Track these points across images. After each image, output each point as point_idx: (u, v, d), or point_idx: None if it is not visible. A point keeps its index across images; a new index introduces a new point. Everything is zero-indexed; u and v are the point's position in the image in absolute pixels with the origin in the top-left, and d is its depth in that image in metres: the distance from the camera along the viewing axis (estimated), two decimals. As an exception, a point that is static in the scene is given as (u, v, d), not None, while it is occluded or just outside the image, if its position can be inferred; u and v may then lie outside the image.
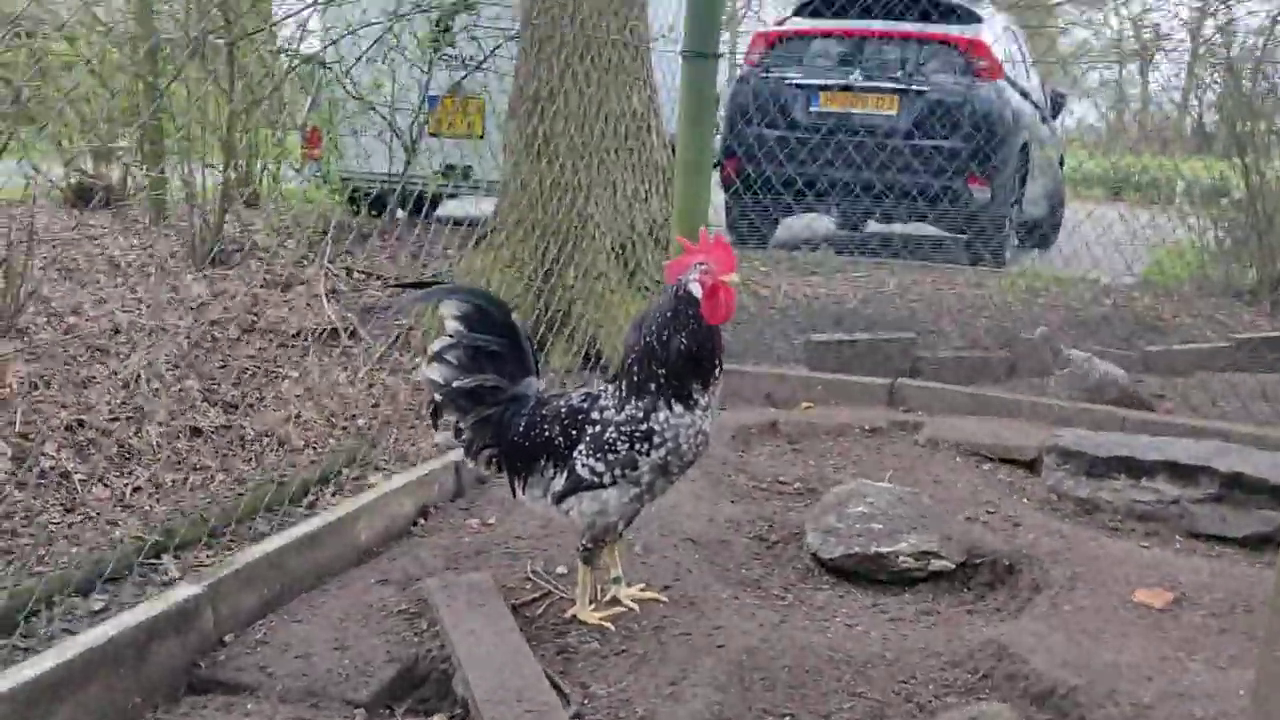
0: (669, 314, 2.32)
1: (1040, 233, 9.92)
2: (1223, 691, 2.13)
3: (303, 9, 6.43)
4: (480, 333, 2.40)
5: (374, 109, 6.59)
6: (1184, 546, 3.05)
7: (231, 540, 3.24)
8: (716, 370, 2.35)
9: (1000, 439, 3.77)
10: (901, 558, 2.75)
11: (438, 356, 2.40)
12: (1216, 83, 9.00)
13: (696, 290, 2.31)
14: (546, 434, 2.39)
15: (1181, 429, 3.73)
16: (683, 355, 2.31)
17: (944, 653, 2.37)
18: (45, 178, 6.07)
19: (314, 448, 4.44)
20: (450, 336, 2.40)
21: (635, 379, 2.34)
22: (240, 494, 3.70)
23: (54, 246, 5.88)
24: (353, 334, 5.48)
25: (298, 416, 4.68)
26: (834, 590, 2.74)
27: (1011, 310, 6.23)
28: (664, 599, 2.53)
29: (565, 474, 2.37)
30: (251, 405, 4.68)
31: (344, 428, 4.65)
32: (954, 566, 2.79)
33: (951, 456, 3.70)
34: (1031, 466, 3.62)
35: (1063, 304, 6.57)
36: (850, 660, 2.32)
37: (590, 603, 2.46)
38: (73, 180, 6.77)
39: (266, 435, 4.47)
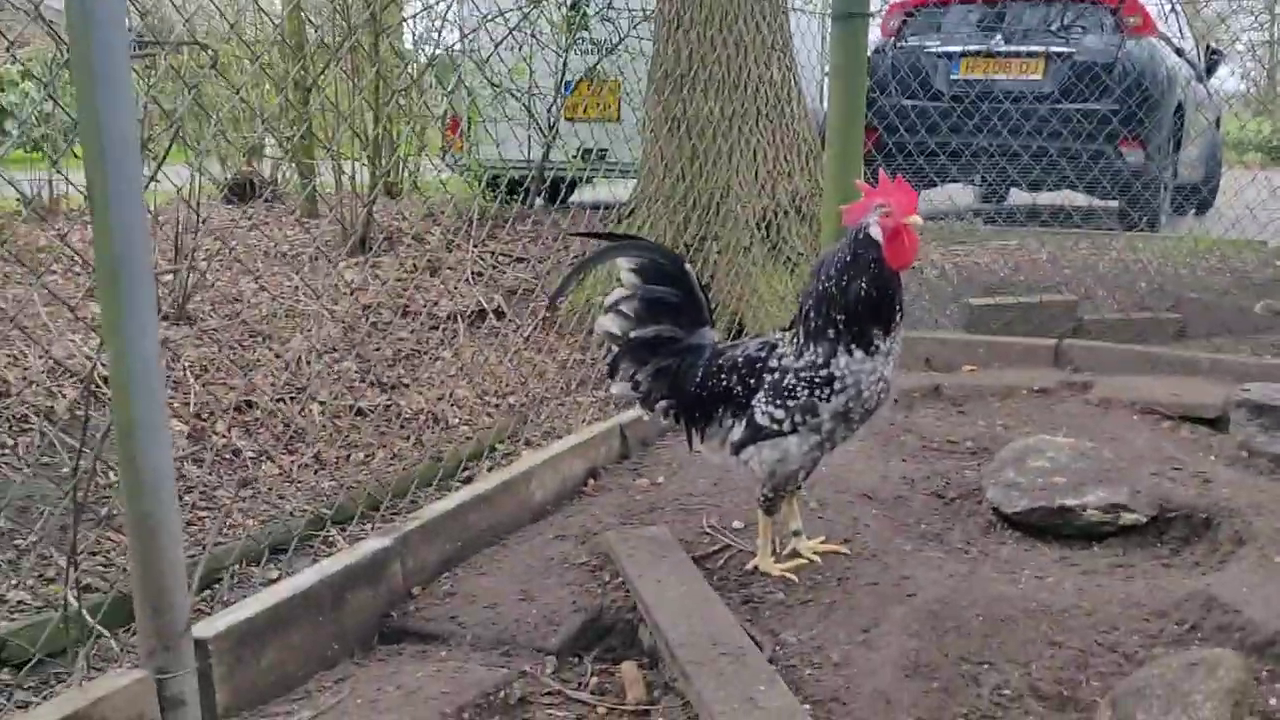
0: (848, 258, 2.27)
1: (1198, 197, 9.49)
2: None
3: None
4: (655, 284, 2.39)
5: (513, 95, 6.66)
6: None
7: (394, 514, 3.31)
8: (898, 315, 2.29)
9: (1179, 396, 3.61)
10: (1089, 510, 2.64)
11: (614, 308, 2.39)
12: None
13: (877, 233, 2.25)
14: (724, 383, 2.36)
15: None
16: (863, 300, 2.25)
17: (1145, 604, 2.26)
18: (206, 175, 6.30)
19: (469, 425, 4.51)
20: (626, 289, 2.39)
21: (814, 325, 2.29)
22: (403, 469, 3.78)
23: (215, 239, 6.10)
24: (500, 315, 5.55)
25: (452, 395, 4.77)
26: (1019, 544, 2.64)
27: (1176, 274, 5.97)
28: (846, 551, 2.48)
29: (744, 423, 2.34)
30: (407, 385, 4.79)
31: (496, 405, 4.72)
32: (1145, 520, 2.67)
33: (1128, 415, 3.55)
34: (1215, 424, 3.45)
35: (1228, 268, 6.27)
36: (1046, 610, 2.23)
37: (771, 554, 2.42)
38: (229, 176, 7.02)
39: (423, 413, 4.56)
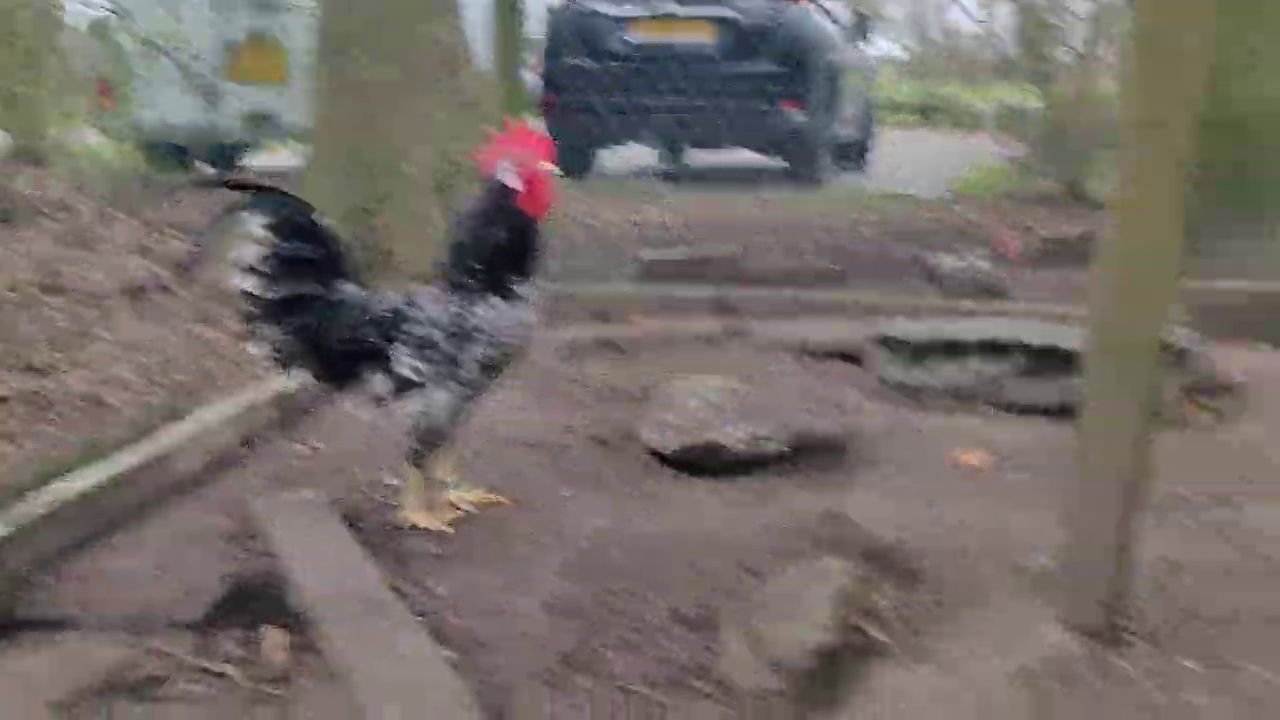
0: (484, 207, 2.28)
1: (854, 153, 10.15)
2: (1041, 532, 2.22)
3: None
4: (289, 240, 2.30)
5: (166, 55, 6.26)
6: (1002, 418, 3.18)
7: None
8: (537, 262, 2.32)
9: (830, 337, 3.87)
10: (735, 444, 2.78)
11: (247, 268, 2.28)
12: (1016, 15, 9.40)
13: (512, 181, 2.27)
14: (366, 338, 2.31)
15: (1005, 313, 3.92)
16: (500, 248, 2.27)
17: (781, 526, 2.41)
18: None
19: (132, 406, 4.23)
20: (259, 246, 2.29)
21: (453, 275, 2.29)
22: (52, 458, 3.50)
23: None
24: (165, 289, 5.24)
25: (113, 376, 4.45)
26: (673, 482, 2.75)
27: (834, 227, 6.38)
28: (505, 500, 2.50)
29: (388, 377, 2.30)
30: (60, 368, 4.43)
31: (162, 384, 4.45)
32: (788, 450, 2.83)
33: (783, 357, 3.77)
34: (859, 360, 3.71)
35: (883, 219, 6.76)
36: (691, 541, 2.34)
37: (425, 508, 2.40)
38: None
39: (79, 397, 4.24)
